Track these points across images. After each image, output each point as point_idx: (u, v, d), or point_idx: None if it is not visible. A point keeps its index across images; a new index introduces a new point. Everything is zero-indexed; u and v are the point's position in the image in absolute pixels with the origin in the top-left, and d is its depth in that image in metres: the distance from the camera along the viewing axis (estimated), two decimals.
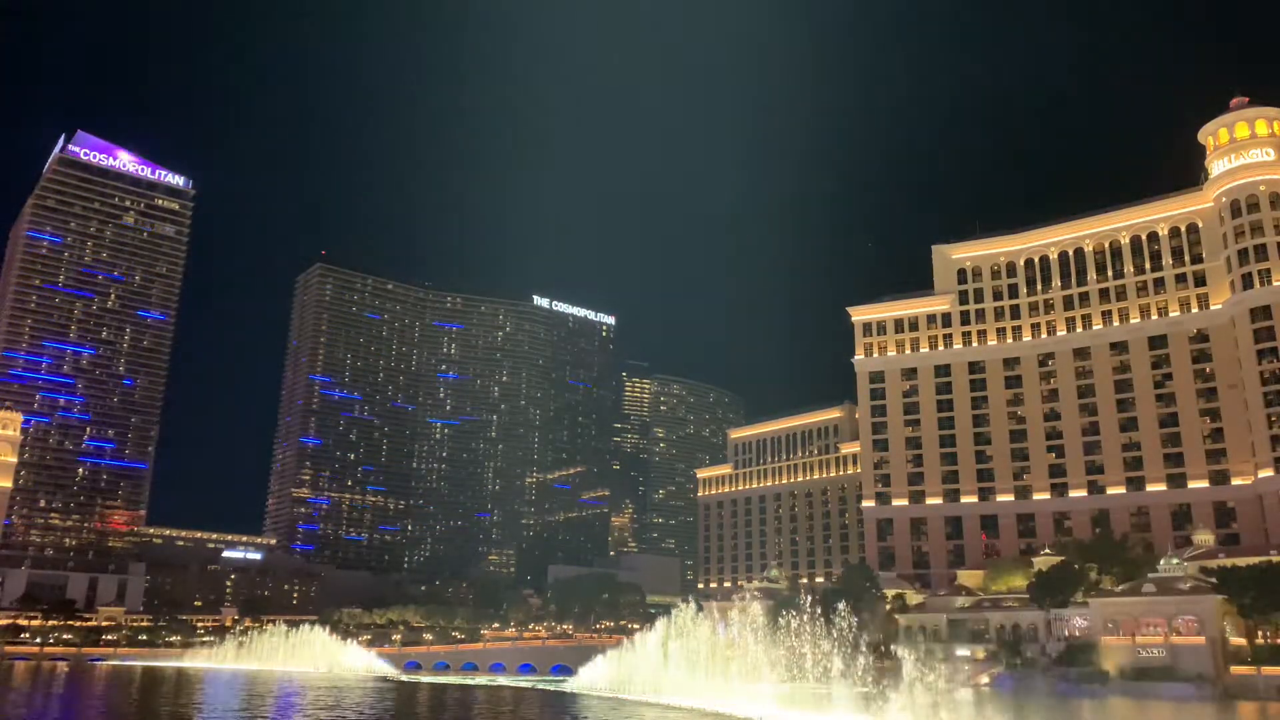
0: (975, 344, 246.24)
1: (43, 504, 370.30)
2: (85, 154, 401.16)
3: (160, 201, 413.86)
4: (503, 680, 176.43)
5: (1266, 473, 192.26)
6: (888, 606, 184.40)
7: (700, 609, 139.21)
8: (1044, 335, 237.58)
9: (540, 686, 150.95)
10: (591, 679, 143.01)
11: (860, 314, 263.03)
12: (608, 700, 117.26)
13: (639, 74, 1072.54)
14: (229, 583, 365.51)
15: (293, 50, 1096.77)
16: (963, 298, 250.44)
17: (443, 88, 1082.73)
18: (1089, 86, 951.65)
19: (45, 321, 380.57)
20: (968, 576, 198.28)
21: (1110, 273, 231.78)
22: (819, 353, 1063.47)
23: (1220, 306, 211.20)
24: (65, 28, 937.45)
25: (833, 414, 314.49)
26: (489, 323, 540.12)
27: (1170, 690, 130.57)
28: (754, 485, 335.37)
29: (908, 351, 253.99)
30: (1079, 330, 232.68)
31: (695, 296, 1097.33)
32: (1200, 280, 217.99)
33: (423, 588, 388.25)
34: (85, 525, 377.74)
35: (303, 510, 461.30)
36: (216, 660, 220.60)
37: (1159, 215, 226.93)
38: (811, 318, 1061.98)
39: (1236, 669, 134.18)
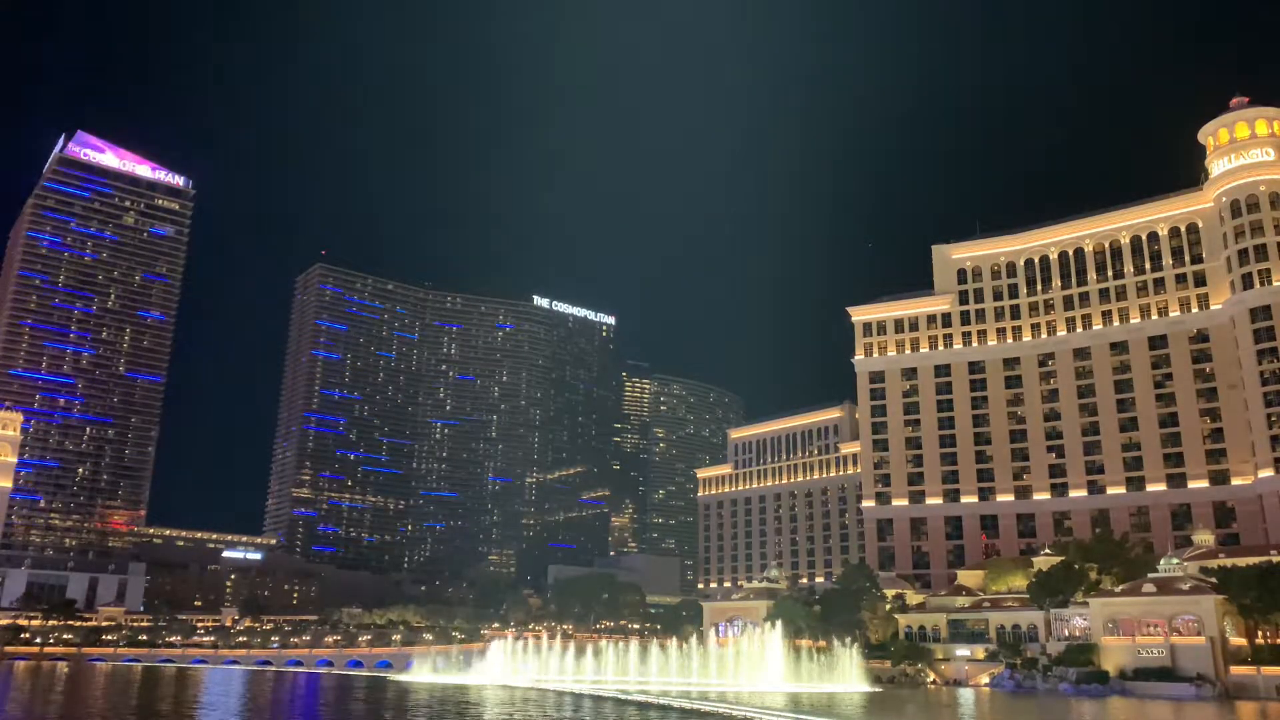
0: (975, 344, 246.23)
1: (43, 504, 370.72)
2: (85, 154, 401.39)
3: (160, 201, 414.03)
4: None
5: (1266, 473, 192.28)
6: (887, 606, 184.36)
7: None
8: (1044, 335, 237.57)
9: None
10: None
11: (860, 314, 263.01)
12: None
13: (639, 74, 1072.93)
14: (229, 583, 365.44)
15: (293, 50, 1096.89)
16: (963, 298, 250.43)
17: (443, 88, 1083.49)
18: (1089, 86, 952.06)
19: (45, 321, 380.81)
20: (968, 576, 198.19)
21: (1110, 273, 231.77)
22: (819, 353, 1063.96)
23: (1220, 306, 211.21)
24: (65, 28, 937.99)
25: (833, 414, 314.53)
26: (489, 323, 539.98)
27: (1170, 690, 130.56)
28: (754, 485, 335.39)
29: (908, 351, 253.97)
30: (1079, 330, 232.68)
31: (695, 296, 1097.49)
32: (1200, 280, 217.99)
33: (423, 588, 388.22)
34: (85, 525, 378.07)
35: (303, 510, 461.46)
36: None
37: (1159, 215, 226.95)
38: (811, 318, 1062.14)
39: (1236, 669, 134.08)
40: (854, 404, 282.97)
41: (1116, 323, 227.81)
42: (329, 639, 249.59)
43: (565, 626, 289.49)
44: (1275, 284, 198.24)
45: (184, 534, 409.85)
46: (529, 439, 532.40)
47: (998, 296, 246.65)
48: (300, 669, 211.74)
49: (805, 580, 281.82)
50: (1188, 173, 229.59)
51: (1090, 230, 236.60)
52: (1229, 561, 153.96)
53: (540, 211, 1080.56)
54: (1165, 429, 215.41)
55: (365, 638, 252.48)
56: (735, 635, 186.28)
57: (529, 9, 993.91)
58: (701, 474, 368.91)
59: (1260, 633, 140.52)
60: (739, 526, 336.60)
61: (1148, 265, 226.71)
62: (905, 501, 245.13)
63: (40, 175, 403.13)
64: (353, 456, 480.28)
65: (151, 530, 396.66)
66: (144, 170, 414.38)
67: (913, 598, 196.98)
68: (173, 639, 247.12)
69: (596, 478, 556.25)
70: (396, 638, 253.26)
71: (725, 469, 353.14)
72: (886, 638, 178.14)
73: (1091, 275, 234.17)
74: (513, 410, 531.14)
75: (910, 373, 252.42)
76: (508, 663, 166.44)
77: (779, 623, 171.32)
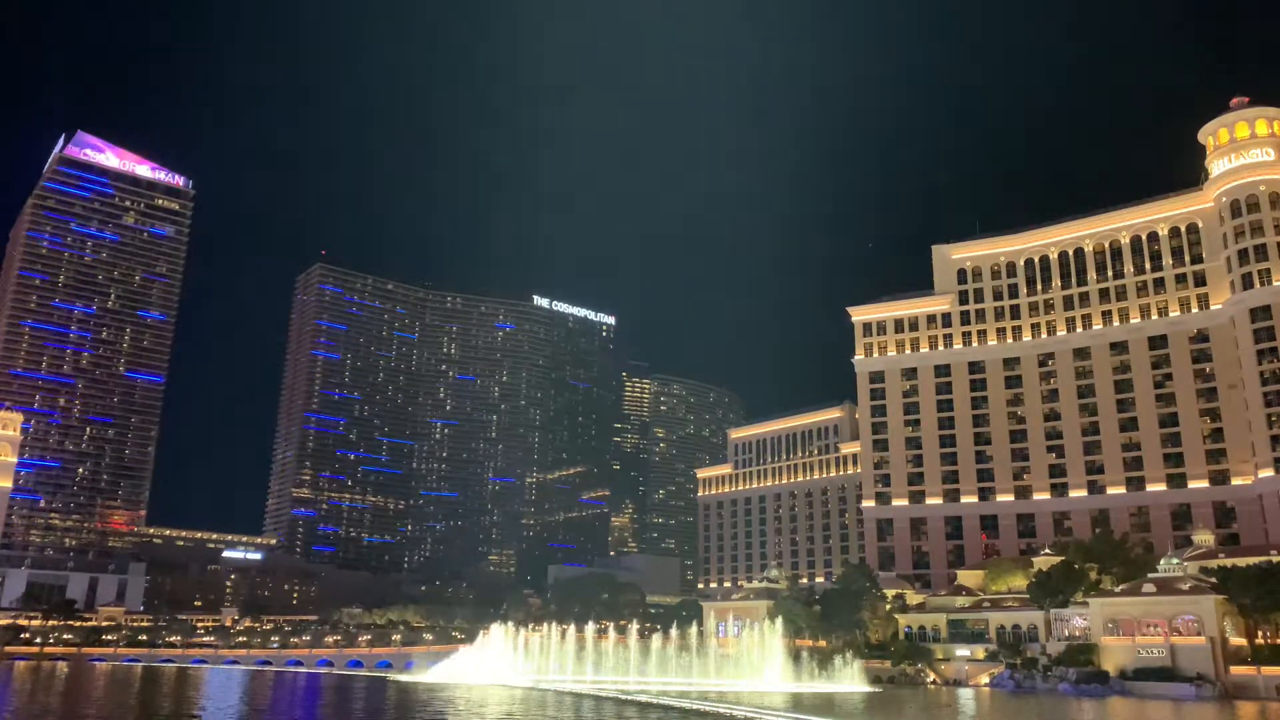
0: (975, 344, 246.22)
1: (43, 504, 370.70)
2: (85, 154, 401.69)
3: (160, 201, 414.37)
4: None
5: (1266, 473, 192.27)
6: (888, 606, 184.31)
7: None
8: (1044, 335, 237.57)
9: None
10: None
11: (860, 314, 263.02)
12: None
13: (637, 75, 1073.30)
14: (229, 583, 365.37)
15: (293, 50, 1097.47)
16: (963, 298, 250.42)
17: (443, 88, 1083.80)
18: (1089, 87, 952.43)
19: (45, 321, 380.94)
20: (968, 576, 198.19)
21: (1110, 273, 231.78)
22: (819, 353, 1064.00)
23: (1220, 306, 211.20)
24: (66, 28, 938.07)
25: (833, 414, 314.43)
26: (489, 323, 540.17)
27: (1170, 690, 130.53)
28: (754, 485, 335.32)
29: (908, 351, 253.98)
30: (1079, 330, 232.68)
31: (695, 296, 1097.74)
32: (1200, 280, 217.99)
33: (423, 588, 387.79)
34: (85, 525, 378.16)
35: (303, 510, 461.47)
36: None
37: (1159, 215, 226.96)
38: (811, 317, 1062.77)
39: (1236, 669, 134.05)
40: (854, 404, 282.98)
41: (1116, 323, 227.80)
42: (329, 639, 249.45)
43: (565, 627, 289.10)
44: (1275, 284, 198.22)
45: (184, 534, 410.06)
46: (529, 439, 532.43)
47: (998, 296, 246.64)
48: (300, 669, 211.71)
49: (805, 580, 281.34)
50: (1188, 173, 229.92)
51: (1090, 230, 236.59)
52: (1229, 561, 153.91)
53: (540, 211, 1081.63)
54: (1165, 429, 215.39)
55: (365, 638, 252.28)
56: (735, 635, 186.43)
57: (529, 8, 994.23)
58: (701, 474, 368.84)
59: (1260, 633, 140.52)
60: (739, 526, 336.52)
61: (1148, 265, 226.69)
62: (905, 501, 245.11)
63: (40, 175, 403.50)
64: (353, 456, 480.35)
65: (151, 530, 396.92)
66: (144, 170, 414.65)
67: (913, 598, 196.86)
68: (173, 639, 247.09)
69: (596, 478, 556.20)
70: (396, 638, 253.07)
71: (725, 469, 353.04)
72: (886, 638, 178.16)
73: (1091, 275, 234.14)
74: (513, 410, 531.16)
75: (910, 373, 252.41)
76: (507, 662, 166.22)
77: (779, 623, 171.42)
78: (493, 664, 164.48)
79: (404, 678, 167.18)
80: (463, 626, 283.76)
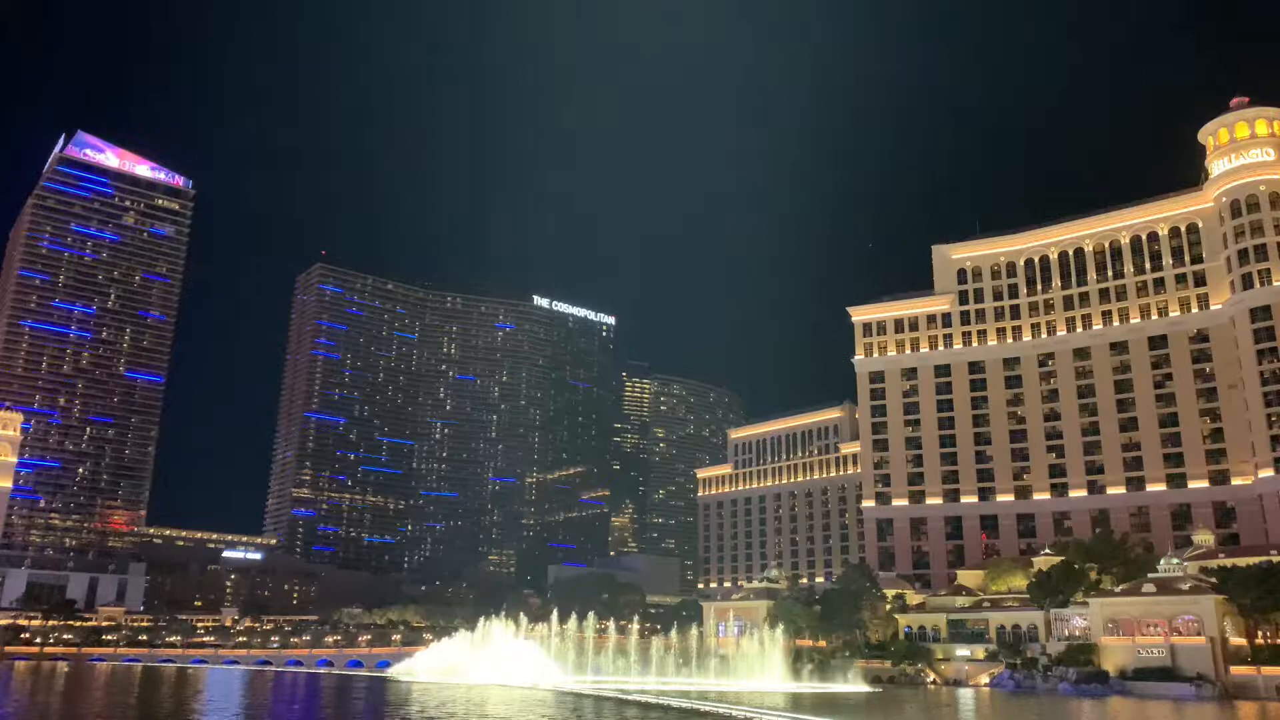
0: (975, 344, 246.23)
1: (43, 504, 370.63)
2: (85, 154, 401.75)
3: (160, 201, 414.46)
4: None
5: (1266, 473, 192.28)
6: (887, 606, 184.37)
7: None
8: (1044, 335, 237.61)
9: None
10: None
11: (860, 314, 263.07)
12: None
13: (636, 75, 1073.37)
14: (229, 583, 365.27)
15: (293, 50, 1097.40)
16: (963, 298, 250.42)
17: (443, 88, 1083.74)
18: (1089, 87, 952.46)
19: (45, 321, 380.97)
20: (968, 576, 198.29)
21: (1110, 273, 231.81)
22: (819, 353, 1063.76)
23: (1220, 306, 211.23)
24: (65, 28, 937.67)
25: (833, 414, 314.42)
26: (489, 323, 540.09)
27: (1170, 690, 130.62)
28: (754, 485, 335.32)
29: (908, 351, 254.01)
30: (1079, 330, 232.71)
31: (695, 296, 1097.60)
32: (1200, 280, 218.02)
33: (423, 588, 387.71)
34: (85, 525, 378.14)
35: (303, 510, 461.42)
36: None
37: (1159, 215, 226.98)
38: (811, 317, 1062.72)
39: (1236, 669, 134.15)
40: (854, 404, 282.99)
41: (1116, 323, 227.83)
42: (329, 639, 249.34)
43: (564, 626, 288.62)
44: (1275, 284, 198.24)
45: (184, 534, 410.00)
46: (529, 439, 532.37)
47: (998, 296, 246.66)
48: (300, 669, 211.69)
49: (805, 580, 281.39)
50: (1188, 173, 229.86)
51: (1090, 230, 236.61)
52: (1229, 561, 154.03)
53: (540, 211, 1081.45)
54: (1165, 429, 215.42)
55: (365, 638, 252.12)
56: (735, 635, 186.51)
57: (529, 8, 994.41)
58: (701, 474, 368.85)
59: (1260, 633, 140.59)
60: (739, 526, 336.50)
61: (1148, 265, 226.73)
62: (905, 501, 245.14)
63: (40, 175, 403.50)
64: (353, 456, 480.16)
65: (151, 530, 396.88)
66: (144, 170, 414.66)
67: (913, 598, 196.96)
68: (173, 639, 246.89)
69: (596, 478, 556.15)
70: (396, 638, 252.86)
71: (725, 469, 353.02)
72: (886, 638, 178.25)
73: (1091, 275, 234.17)
74: (513, 410, 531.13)
75: (910, 373, 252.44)
76: (504, 662, 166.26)
77: (779, 623, 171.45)
78: (489, 663, 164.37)
79: (404, 678, 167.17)
80: (463, 626, 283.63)
